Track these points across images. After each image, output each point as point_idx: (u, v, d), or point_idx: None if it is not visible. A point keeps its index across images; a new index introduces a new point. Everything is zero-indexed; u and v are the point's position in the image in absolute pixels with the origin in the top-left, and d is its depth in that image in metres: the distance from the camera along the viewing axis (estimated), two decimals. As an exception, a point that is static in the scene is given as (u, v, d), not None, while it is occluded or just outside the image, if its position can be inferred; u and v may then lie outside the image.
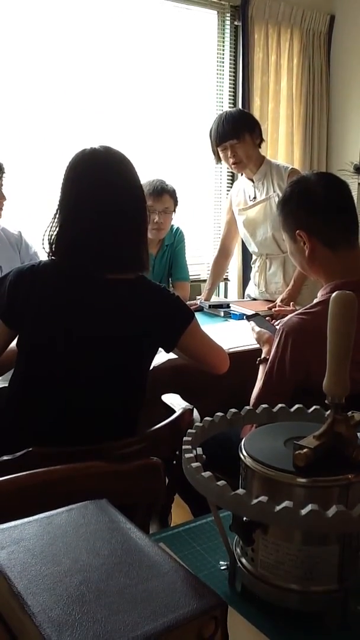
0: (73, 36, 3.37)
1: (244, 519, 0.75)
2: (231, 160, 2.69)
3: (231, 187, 4.09)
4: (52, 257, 1.47)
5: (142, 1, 3.55)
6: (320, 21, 4.13)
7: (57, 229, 1.45)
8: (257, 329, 1.85)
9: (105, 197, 1.42)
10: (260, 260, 2.93)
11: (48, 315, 1.43)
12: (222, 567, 0.85)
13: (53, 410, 1.41)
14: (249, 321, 1.95)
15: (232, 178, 4.10)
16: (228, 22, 3.91)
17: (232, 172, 4.08)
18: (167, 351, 1.56)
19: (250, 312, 2.09)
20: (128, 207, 1.45)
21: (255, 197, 2.80)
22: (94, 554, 0.68)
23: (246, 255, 3.88)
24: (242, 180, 2.90)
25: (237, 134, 2.63)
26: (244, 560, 0.80)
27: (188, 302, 2.79)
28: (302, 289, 2.73)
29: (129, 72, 3.58)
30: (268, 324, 1.89)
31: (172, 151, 3.83)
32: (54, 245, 1.45)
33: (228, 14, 3.89)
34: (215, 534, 0.93)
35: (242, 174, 2.86)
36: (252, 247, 2.95)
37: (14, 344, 1.55)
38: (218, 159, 2.76)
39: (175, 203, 2.89)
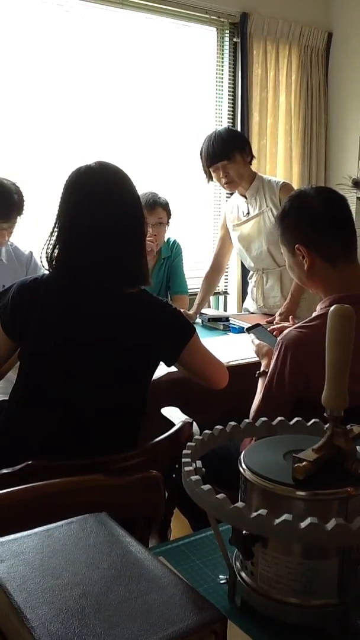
0: (74, 53, 3.40)
1: (244, 532, 0.75)
2: (223, 180, 2.69)
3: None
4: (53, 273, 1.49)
5: (143, 18, 3.60)
6: (318, 38, 4.18)
7: (56, 245, 1.46)
8: (257, 341, 1.85)
9: (102, 211, 1.43)
10: (257, 275, 2.94)
11: (50, 326, 1.43)
12: (222, 581, 0.85)
13: (54, 422, 1.41)
14: (248, 333, 1.94)
15: (231, 192, 4.12)
16: (227, 39, 3.95)
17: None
18: (169, 365, 1.57)
19: (249, 324, 2.09)
20: (125, 220, 1.46)
21: (248, 213, 2.82)
22: (94, 567, 0.68)
23: (245, 269, 3.89)
24: (235, 196, 2.92)
25: (228, 154, 2.63)
26: (243, 574, 0.80)
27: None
28: (301, 301, 2.73)
29: (130, 88, 3.61)
30: (269, 335, 1.88)
31: (172, 165, 3.86)
32: (53, 262, 1.46)
33: (227, 31, 3.94)
34: (215, 548, 0.93)
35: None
36: (248, 262, 2.96)
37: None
38: (210, 178, 2.76)
39: (169, 215, 2.90)
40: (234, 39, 3.95)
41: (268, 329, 1.96)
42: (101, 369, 1.42)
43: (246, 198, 2.80)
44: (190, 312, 2.91)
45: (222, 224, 3.04)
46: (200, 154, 2.71)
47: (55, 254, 1.46)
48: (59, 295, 1.46)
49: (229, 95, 4.01)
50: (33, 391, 1.44)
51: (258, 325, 1.97)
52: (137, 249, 1.49)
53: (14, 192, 2.22)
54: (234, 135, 2.75)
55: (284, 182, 2.77)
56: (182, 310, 2.72)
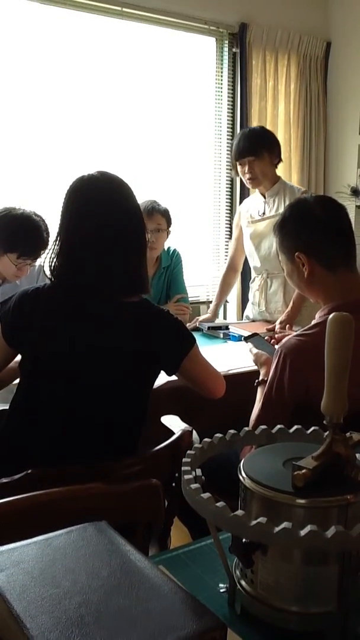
0: (74, 63, 3.42)
1: (244, 540, 0.75)
2: (247, 176, 2.78)
3: (230, 210, 4.16)
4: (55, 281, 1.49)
5: (142, 29, 3.62)
6: (316, 47, 4.21)
7: (58, 254, 1.47)
8: (255, 350, 1.85)
9: (104, 220, 1.44)
10: (261, 279, 2.95)
11: (51, 333, 1.44)
12: (222, 590, 0.85)
13: (54, 429, 1.41)
14: (246, 342, 1.94)
15: (231, 201, 4.14)
16: (226, 49, 3.98)
17: (230, 195, 4.13)
18: (169, 374, 1.58)
19: (248, 333, 2.09)
20: (126, 228, 1.47)
21: (264, 213, 2.85)
22: (93, 576, 0.68)
23: (245, 277, 3.90)
24: (253, 197, 2.98)
25: (256, 151, 2.73)
26: (243, 582, 0.80)
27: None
28: (301, 309, 2.74)
29: (130, 98, 3.63)
30: (267, 344, 1.89)
31: (172, 174, 3.87)
32: (55, 271, 1.47)
33: (226, 41, 3.96)
34: (215, 556, 0.93)
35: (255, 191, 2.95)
36: (255, 261, 2.97)
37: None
38: (236, 172, 2.87)
39: (169, 223, 2.91)
40: (233, 49, 3.97)
41: (265, 338, 1.96)
42: (102, 375, 1.42)
43: (265, 198, 2.85)
44: (209, 313, 3.01)
45: (236, 222, 3.10)
46: (231, 147, 2.84)
47: (57, 263, 1.47)
48: (61, 302, 1.46)
49: (228, 104, 4.03)
50: (34, 398, 1.44)
51: (256, 334, 1.97)
52: (138, 256, 1.50)
53: (43, 230, 2.22)
54: (266, 134, 2.85)
55: (306, 190, 2.84)
56: (183, 319, 2.77)
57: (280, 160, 2.85)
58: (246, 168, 2.76)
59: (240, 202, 3.97)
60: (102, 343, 1.42)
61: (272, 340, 1.92)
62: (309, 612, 0.74)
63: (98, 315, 1.44)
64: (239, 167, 2.80)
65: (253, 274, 3.07)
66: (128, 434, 1.48)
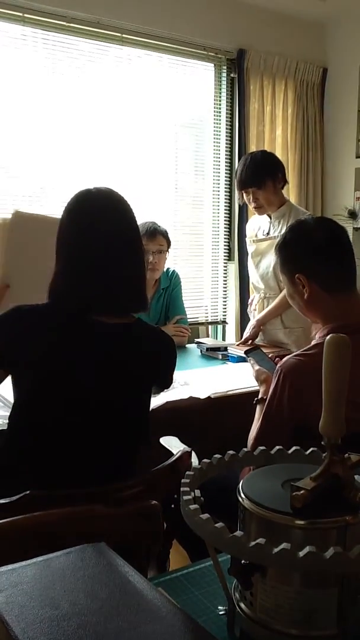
0: (77, 88, 3.47)
1: (242, 561, 0.75)
2: (252, 205, 2.79)
3: (228, 232, 4.19)
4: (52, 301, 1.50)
5: (143, 55, 3.68)
6: (313, 73, 4.28)
7: (57, 272, 1.47)
8: (257, 366, 1.84)
9: (105, 237, 1.45)
10: (259, 298, 2.98)
11: (50, 353, 1.43)
12: (221, 612, 0.84)
13: (54, 447, 1.41)
14: (247, 356, 1.94)
15: (229, 223, 4.18)
16: (224, 74, 4.05)
17: (229, 217, 4.17)
18: (163, 390, 1.60)
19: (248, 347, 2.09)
20: (127, 245, 1.48)
21: (268, 233, 2.88)
22: (92, 597, 0.68)
23: (244, 298, 3.92)
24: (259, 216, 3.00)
25: (258, 182, 2.70)
26: (242, 605, 0.79)
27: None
28: (298, 331, 2.76)
29: (130, 122, 3.68)
30: (267, 359, 1.88)
31: (171, 197, 3.91)
32: (54, 290, 1.47)
33: (224, 67, 4.03)
34: (214, 579, 0.93)
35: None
36: (255, 279, 3.00)
37: None
38: (241, 198, 2.86)
39: (169, 244, 2.94)
40: (231, 75, 4.04)
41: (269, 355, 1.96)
42: (101, 394, 1.42)
43: (270, 218, 2.86)
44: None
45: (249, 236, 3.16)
46: (230, 170, 2.80)
47: (56, 282, 1.48)
48: (60, 321, 1.46)
49: (226, 129, 4.09)
50: (32, 418, 1.44)
51: (257, 347, 1.97)
52: (138, 275, 1.51)
53: None
54: (267, 161, 2.79)
55: (311, 214, 2.86)
56: (182, 340, 2.82)
57: (285, 182, 2.82)
58: (250, 197, 2.75)
59: (239, 224, 4.02)
60: (100, 365, 1.42)
61: (273, 356, 1.92)
62: (309, 636, 0.74)
63: (98, 334, 1.44)
64: (244, 195, 2.79)
65: (253, 294, 3.09)
66: (127, 453, 1.47)
